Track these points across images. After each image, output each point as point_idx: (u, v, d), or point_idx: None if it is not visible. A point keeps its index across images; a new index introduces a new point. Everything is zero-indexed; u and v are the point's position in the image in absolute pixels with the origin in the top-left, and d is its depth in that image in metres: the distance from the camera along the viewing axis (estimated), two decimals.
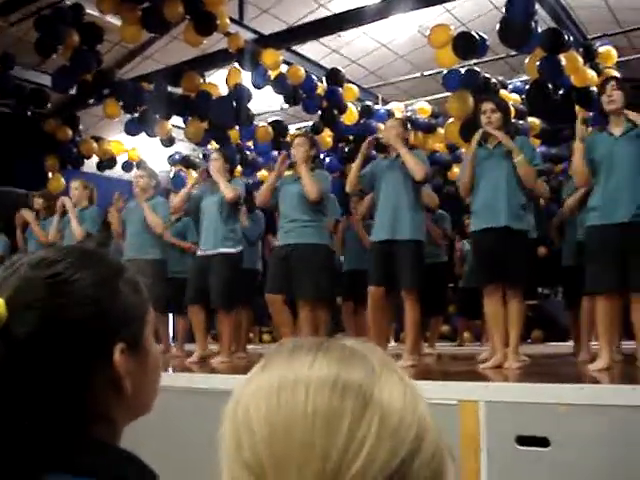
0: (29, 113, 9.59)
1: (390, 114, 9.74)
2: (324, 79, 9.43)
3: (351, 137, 10.24)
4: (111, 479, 0.81)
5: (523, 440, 3.21)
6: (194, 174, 8.94)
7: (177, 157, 11.06)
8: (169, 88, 8.97)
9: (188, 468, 3.71)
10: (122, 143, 10.73)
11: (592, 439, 3.07)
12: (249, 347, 8.32)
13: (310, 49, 9.65)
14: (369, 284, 5.07)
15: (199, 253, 5.97)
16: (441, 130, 9.80)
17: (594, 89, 8.18)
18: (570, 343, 6.77)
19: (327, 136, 10.25)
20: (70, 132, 9.85)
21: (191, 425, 4.11)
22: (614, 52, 8.44)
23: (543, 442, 3.15)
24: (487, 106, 4.78)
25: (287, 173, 5.92)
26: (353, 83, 9.94)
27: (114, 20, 8.19)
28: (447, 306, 8.29)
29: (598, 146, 4.26)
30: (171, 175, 10.99)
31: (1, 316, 0.81)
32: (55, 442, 0.82)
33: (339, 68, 9.51)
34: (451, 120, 8.54)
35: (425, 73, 10.22)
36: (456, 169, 10.79)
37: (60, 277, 0.86)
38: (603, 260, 4.11)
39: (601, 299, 4.12)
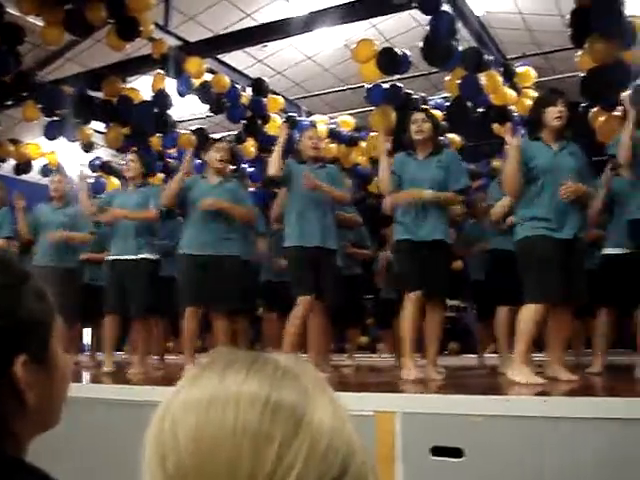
0: None
1: (313, 126, 9.79)
2: (249, 89, 9.42)
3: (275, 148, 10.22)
4: None
5: (437, 451, 3.25)
6: (115, 181, 8.80)
7: (97, 163, 10.86)
8: (90, 92, 8.81)
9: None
10: (40, 146, 10.47)
11: (505, 449, 3.13)
12: (169, 358, 8.22)
13: (235, 58, 9.63)
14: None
15: (112, 259, 5.80)
16: (363, 143, 9.91)
17: (512, 108, 8.44)
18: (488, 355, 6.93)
19: (250, 146, 10.24)
20: None
21: (105, 437, 4.03)
22: (533, 72, 8.71)
23: (456, 453, 3.21)
24: (418, 116, 4.86)
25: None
26: (278, 94, 9.96)
27: (36, 21, 8.01)
28: (364, 317, 8.33)
29: (537, 155, 4.28)
30: (91, 181, 10.78)
31: None
32: None
33: (264, 78, 9.52)
34: (373, 134, 8.66)
35: (349, 87, 10.33)
36: None
37: None
38: (551, 271, 4.14)
39: (539, 309, 4.11)
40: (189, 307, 5.19)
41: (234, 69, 9.74)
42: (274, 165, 5.07)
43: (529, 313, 4.10)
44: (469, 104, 7.92)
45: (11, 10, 7.87)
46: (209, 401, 0.65)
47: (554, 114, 4.28)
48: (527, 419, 3.15)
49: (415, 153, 4.84)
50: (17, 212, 6.24)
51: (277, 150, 5.11)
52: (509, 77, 8.33)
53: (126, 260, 5.64)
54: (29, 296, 0.88)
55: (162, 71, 8.61)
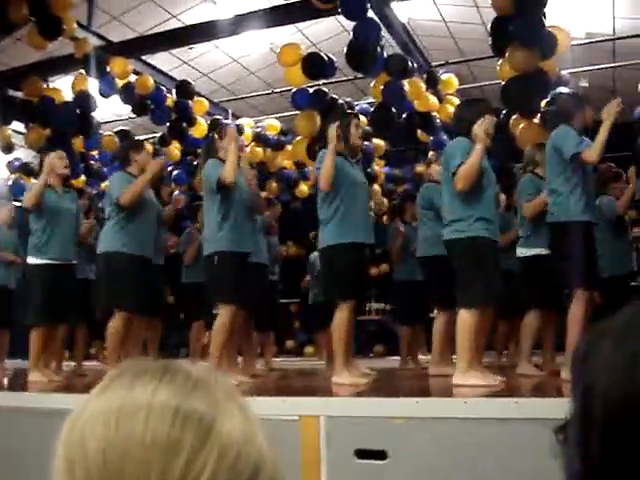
0: None
1: (240, 129, 9.76)
2: (174, 91, 9.32)
3: (199, 150, 10.17)
4: None
5: (362, 453, 3.29)
6: (34, 181, 8.58)
7: (17, 164, 10.58)
8: (10, 92, 8.58)
9: None
10: None
11: (427, 451, 3.19)
12: (92, 364, 8.07)
13: (160, 60, 9.51)
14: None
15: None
16: (289, 147, 9.94)
17: (435, 114, 8.59)
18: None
19: (175, 148, 10.14)
20: None
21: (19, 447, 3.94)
22: (455, 80, 8.88)
23: (380, 455, 3.25)
24: (358, 121, 5.04)
25: None
26: (203, 97, 9.89)
27: None
28: (280, 323, 8.31)
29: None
30: (9, 182, 10.50)
31: None
32: None
33: (189, 80, 9.44)
34: (299, 138, 8.69)
35: (276, 90, 10.33)
36: (303, 186, 10.98)
37: None
38: (495, 273, 4.25)
39: (486, 311, 4.22)
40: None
41: (159, 70, 9.61)
42: (233, 172, 4.95)
43: (474, 317, 4.16)
44: (393, 110, 8.01)
45: None
46: (118, 411, 0.64)
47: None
48: (448, 420, 3.21)
49: (350, 158, 4.90)
50: None
51: (234, 157, 4.99)
52: (433, 84, 8.47)
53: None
54: None
55: (84, 71, 8.44)
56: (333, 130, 4.70)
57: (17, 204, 8.14)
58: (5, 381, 5.92)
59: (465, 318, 4.17)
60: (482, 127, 4.31)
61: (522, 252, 5.27)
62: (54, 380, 5.46)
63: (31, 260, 5.51)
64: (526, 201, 5.23)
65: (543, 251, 4.96)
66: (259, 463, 0.66)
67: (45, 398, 4.38)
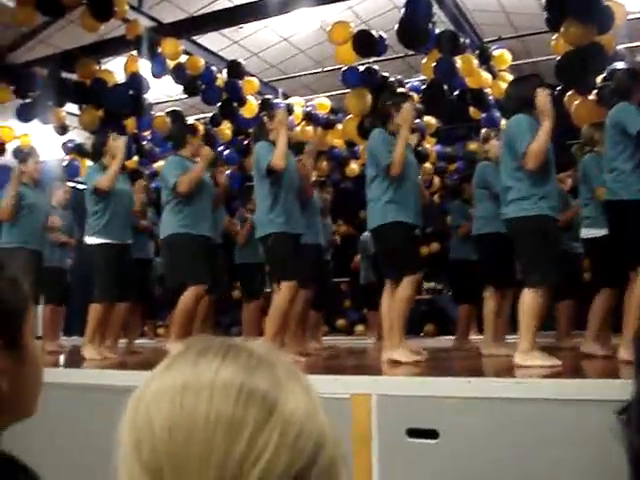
0: None
1: (290, 109, 9.76)
2: (224, 71, 9.35)
3: (250, 130, 10.20)
4: None
5: (413, 432, 3.28)
6: (89, 163, 8.70)
7: (71, 145, 10.74)
8: (64, 74, 8.70)
9: (73, 465, 3.64)
10: (13, 129, 10.33)
11: (479, 431, 3.17)
12: (143, 341, 8.20)
13: (211, 40, 9.54)
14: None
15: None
16: (339, 126, 9.89)
17: (488, 91, 8.46)
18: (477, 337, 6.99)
19: (226, 128, 10.19)
20: None
21: (62, 421, 4.02)
22: (508, 56, 8.72)
23: (432, 434, 3.24)
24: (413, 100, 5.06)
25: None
26: (253, 76, 9.90)
27: (7, 1, 7.88)
28: (330, 301, 8.32)
29: None
30: (64, 164, 10.68)
31: None
32: None
33: (240, 60, 9.45)
34: (350, 116, 8.65)
35: (326, 69, 10.29)
36: (354, 165, 10.93)
37: None
38: (558, 253, 4.20)
39: (544, 292, 4.13)
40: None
41: (209, 51, 9.65)
42: (283, 158, 4.97)
43: (536, 296, 4.10)
44: (445, 87, 7.91)
45: None
46: (183, 388, 0.65)
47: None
48: (500, 400, 3.18)
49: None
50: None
51: (283, 142, 5.00)
52: (485, 60, 8.34)
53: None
54: (3, 283, 0.89)
55: (136, 53, 8.52)
56: (408, 110, 4.68)
57: (71, 185, 8.31)
58: (61, 358, 6.04)
59: (530, 298, 4.11)
60: (545, 102, 4.21)
61: (592, 233, 5.12)
62: (109, 357, 5.55)
63: (91, 240, 5.61)
64: (599, 184, 5.02)
65: None
66: (320, 441, 0.66)
67: (99, 375, 4.46)
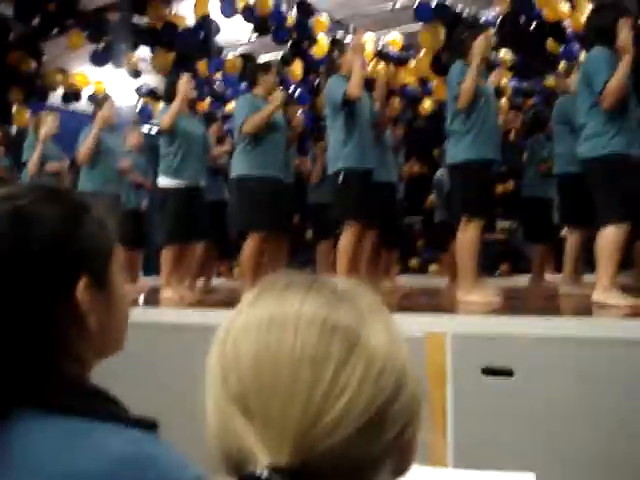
0: None
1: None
2: (294, 9, 9.25)
3: (321, 69, 10.11)
4: (87, 414, 0.81)
5: (488, 371, 3.27)
6: (162, 106, 8.80)
7: (144, 89, 10.86)
8: (135, 18, 8.75)
9: (160, 400, 3.75)
10: (86, 76, 10.49)
11: (555, 369, 3.14)
12: (220, 281, 8.34)
13: None
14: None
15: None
16: (412, 63, 9.71)
17: (567, 23, 8.16)
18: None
19: (297, 68, 10.12)
20: (34, 64, 9.60)
21: (148, 360, 4.14)
22: None
23: (507, 373, 3.22)
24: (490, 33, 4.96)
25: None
26: (324, 13, 9.76)
27: None
28: (402, 240, 8.26)
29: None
30: (138, 108, 10.82)
31: None
32: (24, 377, 0.83)
33: None
34: (422, 53, 8.48)
35: (397, 4, 10.06)
36: (427, 103, 10.75)
37: (24, 210, 0.87)
38: (634, 189, 4.04)
39: (622, 230, 4.00)
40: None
41: None
42: (359, 87, 4.93)
43: (616, 234, 3.98)
44: (521, 19, 7.66)
45: None
46: (269, 322, 0.67)
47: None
48: (577, 340, 3.13)
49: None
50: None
51: (359, 70, 4.94)
52: None
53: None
54: (91, 224, 0.93)
55: None
56: (482, 43, 4.56)
57: (146, 128, 8.43)
58: (141, 298, 6.21)
59: (609, 235, 3.99)
60: (626, 35, 4.02)
61: None
62: (186, 296, 5.67)
63: (163, 182, 5.69)
64: None
65: None
66: (402, 377, 0.67)
67: (177, 314, 4.57)
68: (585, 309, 4.04)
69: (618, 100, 3.99)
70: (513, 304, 4.92)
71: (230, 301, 5.54)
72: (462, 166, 4.65)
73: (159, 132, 5.66)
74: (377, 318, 0.70)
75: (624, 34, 4.01)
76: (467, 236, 4.59)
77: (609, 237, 3.99)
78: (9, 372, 0.82)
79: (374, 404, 0.64)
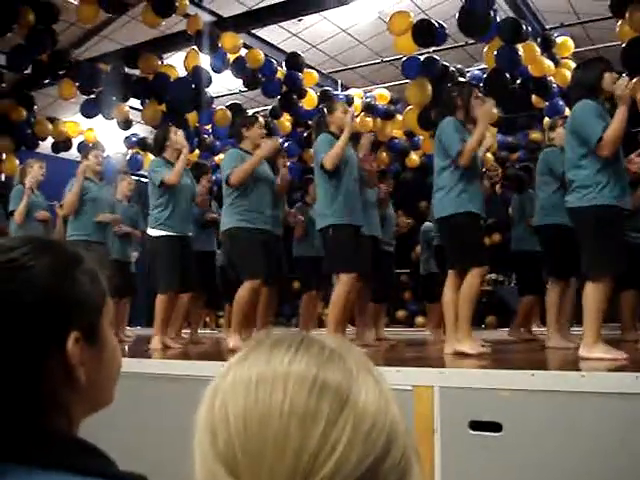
0: None
1: (349, 100, 9.75)
2: (284, 63, 9.39)
3: (310, 122, 10.23)
4: (73, 470, 0.80)
5: (476, 425, 3.26)
6: (151, 157, 8.85)
7: (134, 139, 10.94)
8: (126, 69, 8.85)
9: (142, 452, 3.70)
10: (78, 124, 10.56)
11: (543, 425, 3.13)
12: (206, 332, 8.30)
13: (269, 33, 9.59)
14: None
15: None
16: (400, 117, 9.84)
17: (551, 79, 8.32)
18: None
19: (286, 120, 10.24)
20: (25, 112, 9.65)
21: (141, 411, 4.10)
22: (571, 43, 8.56)
23: (495, 427, 3.21)
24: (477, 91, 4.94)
25: None
26: (313, 68, 9.92)
27: None
28: (392, 294, 8.29)
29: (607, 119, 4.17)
30: (127, 157, 10.87)
31: None
32: (10, 431, 0.81)
33: (299, 52, 9.48)
34: (410, 107, 8.60)
35: (385, 59, 10.25)
36: (414, 156, 10.87)
37: (16, 263, 0.86)
38: (620, 242, 4.08)
39: (607, 283, 4.01)
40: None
41: (268, 43, 9.71)
42: (337, 158, 5.00)
43: (601, 288, 3.99)
44: (507, 75, 7.80)
45: None
46: (257, 381, 0.66)
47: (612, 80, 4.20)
48: (565, 394, 3.13)
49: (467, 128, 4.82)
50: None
51: (344, 142, 5.02)
52: (548, 47, 8.20)
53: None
54: (83, 277, 0.92)
55: (196, 47, 8.62)
56: (489, 110, 4.67)
57: (135, 178, 8.46)
58: (126, 348, 6.16)
59: (594, 290, 4.00)
60: (620, 85, 4.10)
61: None
62: (172, 347, 5.64)
63: (154, 232, 5.72)
64: None
65: None
66: (393, 433, 0.66)
67: (164, 365, 4.54)
68: (572, 363, 4.04)
69: (616, 148, 4.06)
70: (501, 357, 4.91)
71: (216, 352, 5.53)
72: (454, 219, 4.68)
73: (161, 186, 5.69)
74: (366, 376, 0.69)
75: (619, 85, 4.10)
76: (472, 284, 4.59)
77: (593, 291, 4.01)
78: None
79: (365, 462, 0.63)
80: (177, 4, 7.57)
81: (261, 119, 5.85)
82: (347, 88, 10.89)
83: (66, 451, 0.83)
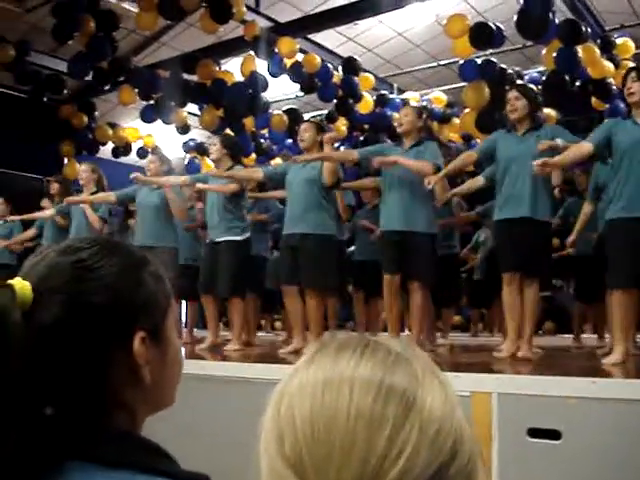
0: (45, 99, 9.62)
1: (405, 103, 9.71)
2: (340, 68, 9.41)
3: (366, 126, 10.23)
4: (137, 469, 0.81)
5: (534, 432, 3.21)
6: (209, 161, 8.94)
7: (192, 144, 11.08)
8: (185, 75, 8.98)
9: (197, 454, 3.74)
10: (137, 129, 10.75)
11: (603, 432, 3.07)
12: (261, 335, 8.34)
13: (326, 37, 9.63)
14: (384, 273, 5.05)
15: (207, 241, 6.01)
16: (456, 120, 9.77)
17: (611, 81, 8.16)
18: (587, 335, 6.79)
19: (342, 125, 10.25)
20: (86, 118, 9.89)
21: (201, 413, 4.14)
22: (632, 44, 8.39)
23: (554, 435, 3.16)
24: (511, 94, 4.76)
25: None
26: (369, 72, 9.91)
27: (130, 7, 8.21)
28: (460, 297, 8.25)
29: (620, 131, 4.13)
30: (185, 162, 11.02)
31: (26, 299, 0.82)
32: (75, 429, 0.82)
33: (355, 57, 9.49)
34: (467, 110, 8.53)
35: (441, 62, 10.19)
36: None
37: (85, 263, 0.88)
38: (624, 254, 4.02)
39: (619, 293, 4.03)
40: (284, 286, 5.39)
41: (324, 48, 9.75)
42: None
43: (615, 296, 4.04)
44: (566, 78, 7.69)
45: None
46: (324, 384, 0.66)
47: (625, 92, 4.19)
48: (626, 402, 3.07)
49: (514, 130, 4.75)
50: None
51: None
52: (607, 49, 8.05)
53: (215, 242, 5.81)
54: (148, 278, 0.93)
55: (253, 52, 8.70)
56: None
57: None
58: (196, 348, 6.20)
59: (619, 299, 4.03)
60: None
61: None
62: (236, 349, 5.67)
63: (241, 237, 5.76)
64: None
65: None
66: (459, 437, 0.66)
67: (226, 367, 4.58)
68: (635, 371, 3.97)
69: None
70: (560, 363, 4.84)
71: (274, 355, 5.55)
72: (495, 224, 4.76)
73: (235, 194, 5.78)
74: (432, 380, 0.68)
75: None
76: (533, 292, 4.57)
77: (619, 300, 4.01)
78: (62, 424, 0.82)
79: (431, 467, 0.62)
80: (234, 10, 7.66)
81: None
82: (403, 92, 10.86)
83: (130, 450, 0.84)
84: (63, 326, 0.83)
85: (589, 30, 7.66)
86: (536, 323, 4.59)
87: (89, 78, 9.00)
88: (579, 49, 7.50)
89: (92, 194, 6.63)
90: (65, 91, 9.57)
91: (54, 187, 7.44)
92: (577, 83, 8.13)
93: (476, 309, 9.39)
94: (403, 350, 0.71)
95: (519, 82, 7.54)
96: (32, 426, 0.80)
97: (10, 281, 0.84)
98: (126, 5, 8.26)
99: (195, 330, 7.71)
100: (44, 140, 9.81)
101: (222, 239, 5.74)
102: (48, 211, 7.05)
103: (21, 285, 0.83)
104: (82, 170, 6.82)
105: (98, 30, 8.11)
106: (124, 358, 0.88)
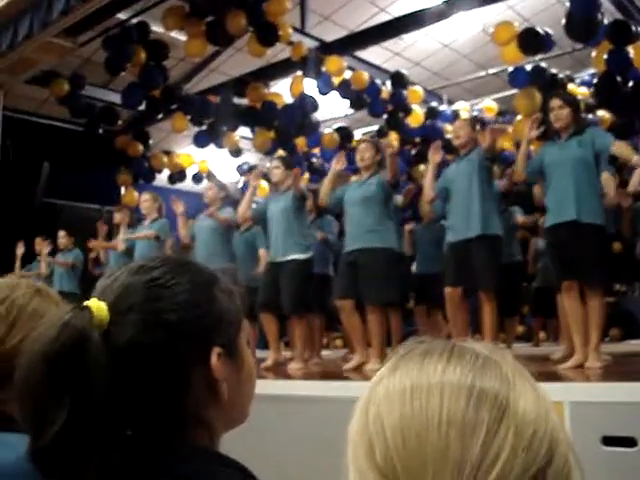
0: (100, 131, 9.84)
1: (456, 114, 9.67)
2: (388, 82, 9.42)
3: (417, 139, 10.21)
4: None
5: (609, 440, 3.15)
6: (264, 184, 9.02)
7: (245, 167, 11.19)
8: (235, 99, 9.09)
9: (270, 470, 3.75)
10: (191, 156, 10.91)
11: None
12: (322, 353, 8.34)
13: (372, 54, 9.65)
14: (445, 285, 5.02)
15: (269, 260, 6.01)
16: (509, 128, 9.68)
17: None
18: None
19: (393, 139, 10.24)
20: (141, 147, 10.08)
21: (268, 431, 4.15)
22: None
23: (630, 442, 3.09)
24: (555, 103, 4.72)
25: (353, 178, 5.96)
26: (417, 85, 9.91)
27: (179, 36, 8.36)
28: (521, 306, 8.13)
29: None
30: (240, 185, 11.13)
31: (103, 320, 0.83)
32: (157, 448, 0.84)
33: (403, 71, 9.49)
34: (519, 118, 8.45)
35: (490, 71, 10.13)
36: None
37: (158, 282, 0.89)
38: None
39: None
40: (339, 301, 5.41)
41: (372, 64, 9.77)
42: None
43: None
44: (618, 79, 7.57)
45: (155, 28, 8.26)
46: (412, 391, 0.65)
47: None
48: None
49: (558, 137, 4.72)
50: (178, 217, 6.49)
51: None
52: None
53: (277, 262, 5.81)
54: (220, 295, 0.94)
55: (301, 73, 8.77)
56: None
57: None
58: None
59: None
60: None
61: None
62: (300, 368, 5.69)
63: (299, 256, 5.77)
64: None
65: None
66: (554, 441, 0.64)
67: (296, 386, 4.60)
68: None
69: None
70: (632, 369, 4.74)
71: (337, 373, 5.55)
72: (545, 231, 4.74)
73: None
74: (523, 382, 0.67)
75: None
76: (596, 302, 4.47)
77: None
78: (144, 444, 0.84)
79: (529, 471, 0.60)
80: (281, 33, 7.74)
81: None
82: (452, 103, 10.81)
83: (210, 465, 0.85)
84: (141, 345, 0.85)
85: (639, 29, 7.54)
86: (602, 331, 4.48)
87: (142, 107, 9.20)
88: (630, 49, 7.38)
89: (153, 221, 6.78)
90: (119, 122, 9.78)
91: (117, 217, 7.57)
92: (630, 84, 7.99)
93: (539, 317, 9.23)
94: (490, 353, 0.69)
95: (560, 91, 7.44)
96: (115, 447, 0.81)
97: (86, 302, 0.86)
98: (174, 34, 8.41)
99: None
100: (101, 171, 10.02)
101: (286, 258, 5.76)
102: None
103: (97, 306, 0.84)
104: (144, 200, 6.97)
105: (149, 60, 8.29)
106: (202, 375, 0.88)
